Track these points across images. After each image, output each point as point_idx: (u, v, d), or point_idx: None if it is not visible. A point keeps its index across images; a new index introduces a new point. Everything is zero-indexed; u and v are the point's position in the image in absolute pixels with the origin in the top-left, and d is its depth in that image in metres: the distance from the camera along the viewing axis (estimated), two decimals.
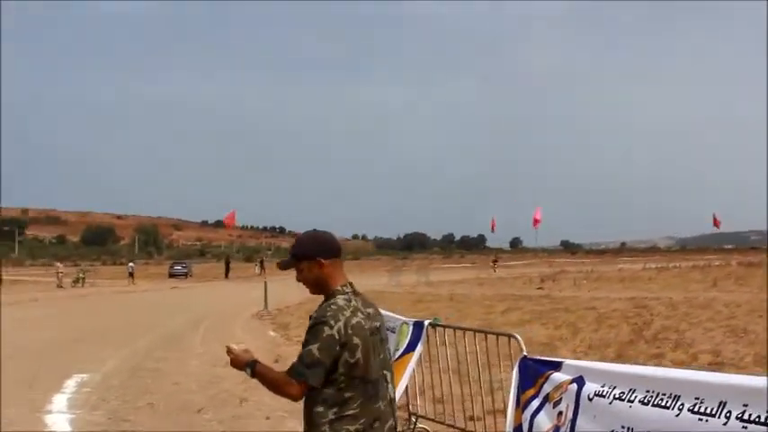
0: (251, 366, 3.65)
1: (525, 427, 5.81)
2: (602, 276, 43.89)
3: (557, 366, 5.66)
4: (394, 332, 7.74)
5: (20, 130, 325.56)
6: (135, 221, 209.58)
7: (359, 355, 3.50)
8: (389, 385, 3.68)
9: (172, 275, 69.75)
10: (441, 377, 8.18)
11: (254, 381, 3.66)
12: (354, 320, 3.53)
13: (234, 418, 9.52)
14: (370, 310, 3.68)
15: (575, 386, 5.29)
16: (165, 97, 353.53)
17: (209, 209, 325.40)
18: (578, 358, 13.06)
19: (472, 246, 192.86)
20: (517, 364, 6.07)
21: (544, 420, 5.60)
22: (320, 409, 3.50)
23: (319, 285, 3.70)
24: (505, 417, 6.11)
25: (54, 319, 25.54)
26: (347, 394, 3.50)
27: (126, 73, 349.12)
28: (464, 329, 7.84)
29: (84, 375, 12.99)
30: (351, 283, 3.72)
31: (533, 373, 5.86)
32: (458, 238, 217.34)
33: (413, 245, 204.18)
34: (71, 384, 12.18)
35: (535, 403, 5.76)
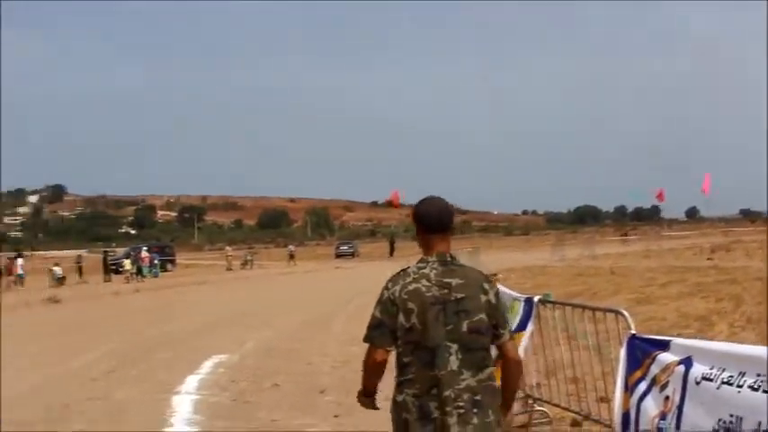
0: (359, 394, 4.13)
1: (633, 412, 5.22)
2: None
3: (665, 346, 5.04)
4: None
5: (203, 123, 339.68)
6: (307, 204, 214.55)
7: (414, 320, 3.57)
8: (453, 357, 3.57)
9: (338, 255, 70.95)
10: (554, 356, 7.59)
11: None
12: (413, 286, 3.61)
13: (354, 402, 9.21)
14: (453, 281, 3.63)
15: (682, 368, 4.69)
16: (336, 83, 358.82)
17: (380, 189, 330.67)
18: (734, 333, 12.11)
19: (645, 217, 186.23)
20: (625, 343, 5.45)
21: (651, 405, 5.01)
22: (395, 371, 3.69)
23: (422, 249, 3.81)
24: (613, 400, 5.52)
25: (212, 301, 26.28)
26: (405, 359, 3.62)
27: (297, 59, 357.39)
28: (573, 305, 7.21)
29: (223, 356, 13.09)
30: (445, 254, 3.73)
31: (641, 353, 5.25)
32: (630, 209, 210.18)
33: (584, 218, 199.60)
34: (207, 365, 12.28)
35: (642, 386, 5.16)
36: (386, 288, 3.68)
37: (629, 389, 5.29)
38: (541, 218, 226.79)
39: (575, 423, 7.43)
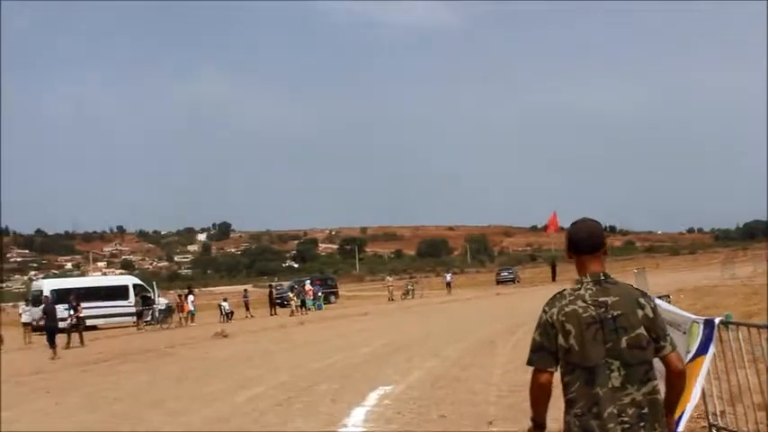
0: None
1: None
2: None
3: None
4: (684, 332, 6.78)
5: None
6: (465, 231, 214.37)
7: (572, 341, 3.67)
8: (615, 373, 3.64)
9: (499, 282, 70.35)
10: (738, 381, 7.06)
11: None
12: (570, 308, 3.71)
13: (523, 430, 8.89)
14: (609, 299, 3.72)
15: None
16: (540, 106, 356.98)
17: (539, 213, 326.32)
18: None
19: None
20: None
21: None
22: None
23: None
24: None
25: (375, 331, 26.37)
26: (566, 378, 3.70)
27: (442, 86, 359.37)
28: (759, 327, 6.67)
29: (388, 387, 13.02)
30: (598, 273, 3.80)
31: None
32: None
33: (755, 234, 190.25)
34: (373, 397, 12.22)
35: None
36: (543, 311, 3.80)
37: None
38: (708, 236, 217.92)
39: None
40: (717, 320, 6.69)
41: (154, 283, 46.98)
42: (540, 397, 3.82)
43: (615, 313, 3.69)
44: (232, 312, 40.71)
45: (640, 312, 3.71)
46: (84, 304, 31.70)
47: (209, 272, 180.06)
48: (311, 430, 9.99)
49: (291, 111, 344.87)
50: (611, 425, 3.59)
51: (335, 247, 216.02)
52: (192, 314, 40.15)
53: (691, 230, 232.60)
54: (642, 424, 3.62)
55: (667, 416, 3.79)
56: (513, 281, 70.52)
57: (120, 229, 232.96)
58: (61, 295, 35.85)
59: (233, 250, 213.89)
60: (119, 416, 12.27)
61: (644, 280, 38.53)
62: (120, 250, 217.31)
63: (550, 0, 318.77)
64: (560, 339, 3.69)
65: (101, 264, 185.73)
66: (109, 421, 11.81)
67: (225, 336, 28.02)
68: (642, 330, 3.69)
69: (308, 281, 48.00)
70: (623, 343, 3.66)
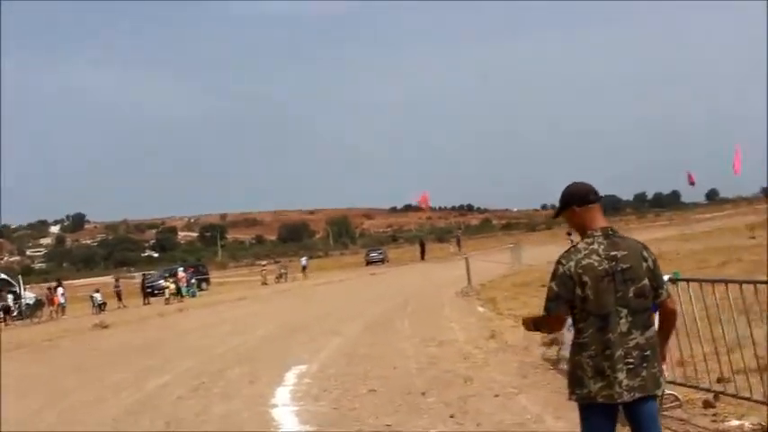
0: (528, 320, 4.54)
1: None
2: None
3: None
4: None
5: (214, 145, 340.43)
6: (326, 215, 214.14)
7: (588, 291, 4.10)
8: (623, 320, 4.10)
9: (369, 263, 70.74)
10: (688, 337, 7.42)
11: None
12: (586, 261, 4.13)
13: (460, 399, 9.06)
14: (618, 253, 4.15)
15: None
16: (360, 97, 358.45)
17: (397, 194, 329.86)
18: None
19: (666, 204, 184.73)
20: None
21: None
22: (572, 336, 4.27)
23: (579, 230, 4.32)
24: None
25: (262, 315, 26.19)
26: (581, 325, 4.17)
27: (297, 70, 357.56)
28: (712, 281, 7.01)
29: (303, 366, 12.96)
30: (607, 228, 4.24)
31: None
32: (650, 196, 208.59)
33: (605, 208, 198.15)
34: (291, 377, 12.13)
35: None
36: (560, 264, 4.19)
37: None
38: None
39: (707, 404, 7.26)
40: (666, 278, 6.98)
41: (19, 276, 45.14)
42: (549, 332, 4.83)
43: (624, 266, 4.14)
44: (105, 303, 39.50)
45: (644, 264, 4.20)
46: None
47: (64, 265, 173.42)
48: (246, 411, 9.83)
49: (143, 95, 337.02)
50: (620, 365, 4.08)
51: (195, 234, 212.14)
52: (62, 307, 38.85)
53: (544, 206, 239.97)
54: (644, 365, 4.12)
55: (661, 346, 4.30)
56: (382, 261, 71.04)
57: None
58: None
59: (89, 242, 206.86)
60: (36, 406, 11.74)
61: (518, 253, 39.86)
62: None
63: None
64: (577, 290, 4.12)
65: None
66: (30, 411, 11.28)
67: (105, 327, 27.16)
68: (646, 281, 4.18)
69: (181, 268, 47.11)
70: (631, 293, 4.13)
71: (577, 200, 4.31)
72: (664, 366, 4.39)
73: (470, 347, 12.98)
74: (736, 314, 6.71)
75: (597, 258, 4.13)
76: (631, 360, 4.09)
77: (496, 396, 9.05)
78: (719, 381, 7.38)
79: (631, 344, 4.10)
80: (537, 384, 9.54)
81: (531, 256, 37.88)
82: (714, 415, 7.03)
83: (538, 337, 13.03)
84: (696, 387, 7.44)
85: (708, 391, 7.34)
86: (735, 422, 6.70)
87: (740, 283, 6.64)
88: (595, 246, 4.17)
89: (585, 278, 4.10)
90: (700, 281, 7.14)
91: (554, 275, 4.22)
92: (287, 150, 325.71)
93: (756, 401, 6.62)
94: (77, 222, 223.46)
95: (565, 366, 10.04)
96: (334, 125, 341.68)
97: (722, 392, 7.09)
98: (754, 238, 33.44)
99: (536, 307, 17.00)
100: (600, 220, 4.27)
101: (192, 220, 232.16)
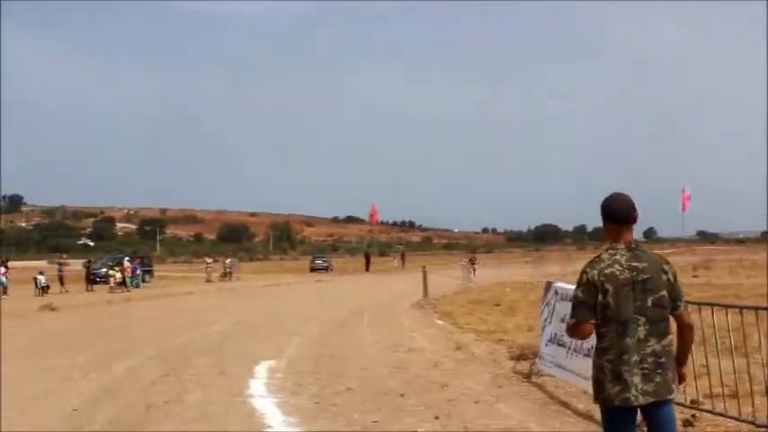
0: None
1: None
2: (756, 264, 42.14)
3: None
4: None
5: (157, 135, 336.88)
6: (267, 218, 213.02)
7: (609, 298, 4.40)
8: (641, 327, 4.39)
9: (314, 269, 70.53)
10: None
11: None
12: (609, 270, 4.44)
13: (441, 403, 9.24)
14: (639, 264, 4.45)
15: None
16: (294, 97, 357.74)
17: (340, 205, 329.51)
18: None
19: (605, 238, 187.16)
20: None
21: None
22: (595, 341, 4.54)
23: (608, 240, 4.62)
24: None
25: (215, 310, 26.06)
26: (602, 330, 4.46)
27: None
28: (713, 305, 7.35)
29: (271, 362, 13.02)
30: (631, 242, 4.55)
31: None
32: (590, 229, 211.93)
33: (545, 237, 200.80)
34: (261, 370, 12.19)
35: None
36: (585, 273, 4.50)
37: None
38: (501, 236, 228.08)
39: (687, 423, 7.56)
40: None
41: None
42: (581, 339, 4.87)
43: (645, 277, 4.45)
44: (48, 286, 38.83)
45: (664, 277, 4.51)
46: None
47: None
48: (221, 400, 9.89)
49: (93, 81, 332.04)
50: (635, 370, 4.37)
51: (134, 227, 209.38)
52: (4, 287, 38.14)
53: (486, 230, 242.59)
54: (659, 371, 4.39)
55: (679, 367, 4.60)
56: (326, 269, 70.89)
57: None
58: None
59: (23, 224, 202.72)
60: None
61: (468, 272, 40.17)
62: None
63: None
64: (600, 296, 4.42)
65: None
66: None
67: (53, 309, 26.76)
68: (665, 292, 4.47)
69: (127, 258, 46.55)
70: (649, 302, 4.43)
71: (607, 216, 4.62)
72: (674, 386, 4.51)
73: (438, 356, 13.12)
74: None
75: (619, 268, 4.45)
76: (646, 366, 4.38)
77: (476, 402, 9.20)
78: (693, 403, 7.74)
79: (648, 350, 4.39)
80: (514, 394, 9.73)
81: (480, 275, 38.34)
82: None
83: (504, 350, 13.38)
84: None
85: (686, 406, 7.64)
86: None
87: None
88: (618, 257, 4.49)
89: (608, 286, 4.41)
90: (698, 304, 7.46)
91: (579, 284, 4.53)
92: (231, 151, 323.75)
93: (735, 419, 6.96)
94: (14, 204, 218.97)
95: (538, 380, 10.41)
96: (281, 130, 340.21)
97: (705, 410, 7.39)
98: (697, 276, 34.39)
99: (494, 324, 17.46)
100: (627, 237, 4.57)
101: (132, 212, 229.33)
